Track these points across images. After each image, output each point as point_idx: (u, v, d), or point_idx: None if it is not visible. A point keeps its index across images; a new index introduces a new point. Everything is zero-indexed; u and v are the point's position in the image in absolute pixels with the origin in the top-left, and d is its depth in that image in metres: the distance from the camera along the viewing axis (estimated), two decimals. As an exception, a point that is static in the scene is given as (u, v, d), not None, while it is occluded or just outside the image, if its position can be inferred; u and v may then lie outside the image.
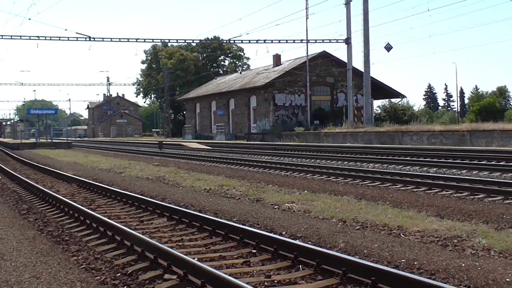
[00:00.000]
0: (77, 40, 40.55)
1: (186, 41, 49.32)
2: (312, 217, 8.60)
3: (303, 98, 49.27)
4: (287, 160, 21.44)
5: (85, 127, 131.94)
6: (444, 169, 15.31)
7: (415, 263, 5.74)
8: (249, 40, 43.76)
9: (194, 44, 70.67)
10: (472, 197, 10.16)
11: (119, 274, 5.71)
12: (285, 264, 5.86)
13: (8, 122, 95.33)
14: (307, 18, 44.43)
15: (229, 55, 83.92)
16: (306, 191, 11.71)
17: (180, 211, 8.82)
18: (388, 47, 39.75)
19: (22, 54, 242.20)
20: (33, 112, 57.12)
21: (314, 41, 44.64)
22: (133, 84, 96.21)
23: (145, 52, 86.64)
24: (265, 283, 5.26)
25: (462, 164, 16.47)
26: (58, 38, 40.65)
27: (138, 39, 41.93)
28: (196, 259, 5.84)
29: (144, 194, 11.83)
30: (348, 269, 5.18)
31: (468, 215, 8.34)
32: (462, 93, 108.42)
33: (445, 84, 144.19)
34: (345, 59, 44.72)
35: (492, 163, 16.62)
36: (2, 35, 40.44)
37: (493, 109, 54.22)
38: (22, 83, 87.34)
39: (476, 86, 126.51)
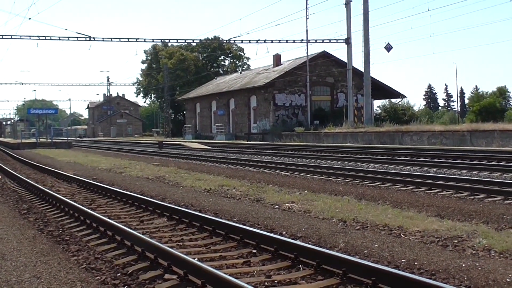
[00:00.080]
0: (77, 40, 40.60)
1: (186, 41, 49.34)
2: (312, 217, 8.60)
3: (303, 98, 49.27)
4: (287, 160, 21.43)
5: (85, 127, 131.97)
6: (444, 169, 15.31)
7: (416, 263, 5.74)
8: (249, 40, 43.80)
9: (194, 44, 70.68)
10: (472, 197, 10.16)
11: (119, 274, 5.71)
12: (285, 264, 5.86)
13: (8, 122, 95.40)
14: (307, 18, 44.47)
15: (229, 55, 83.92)
16: (306, 191, 11.71)
17: (180, 211, 8.81)
18: (388, 47, 39.74)
19: (22, 54, 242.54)
20: (33, 112, 57.10)
21: (314, 41, 44.68)
22: (133, 84, 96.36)
23: (145, 52, 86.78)
24: (265, 283, 5.26)
25: (462, 164, 16.46)
26: (58, 38, 40.67)
27: (138, 39, 41.98)
28: (196, 259, 5.84)
29: (144, 194, 11.83)
30: (348, 269, 5.18)
31: (469, 215, 8.33)
32: (462, 93, 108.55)
33: (445, 84, 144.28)
34: (345, 59, 44.74)
35: (492, 163, 16.61)
36: (2, 35, 40.48)
37: (493, 109, 54.19)
38: (22, 83, 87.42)
39: (476, 86, 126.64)
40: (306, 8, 44.23)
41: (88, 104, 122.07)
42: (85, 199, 11.72)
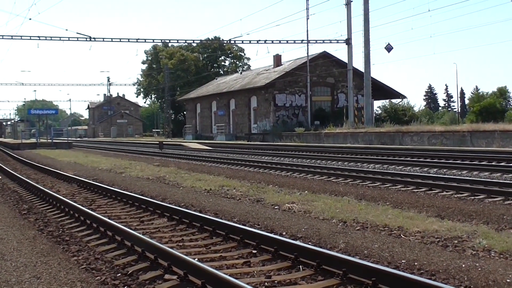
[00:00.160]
0: (77, 40, 40.61)
1: (187, 41, 49.38)
2: (313, 218, 8.60)
3: (303, 98, 49.26)
4: (288, 161, 21.43)
5: (86, 127, 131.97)
6: (444, 170, 15.30)
7: (416, 263, 5.74)
8: (250, 41, 43.81)
9: (194, 44, 70.81)
10: (472, 197, 10.15)
11: (119, 274, 5.71)
12: (285, 265, 5.86)
13: (9, 122, 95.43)
14: (307, 19, 44.45)
15: (230, 55, 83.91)
16: (306, 191, 11.71)
17: (181, 212, 8.81)
18: (389, 48, 39.72)
19: (23, 54, 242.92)
20: (34, 112, 57.18)
21: (314, 41, 44.68)
22: (134, 84, 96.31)
23: (145, 52, 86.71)
24: (266, 283, 5.26)
25: (463, 164, 16.46)
26: (58, 38, 40.69)
27: (138, 39, 41.96)
28: (196, 259, 5.84)
29: (144, 194, 11.83)
30: (349, 269, 5.18)
31: (469, 216, 8.33)
32: (462, 93, 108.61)
33: (446, 85, 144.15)
34: (345, 60, 44.71)
35: (493, 163, 16.61)
36: (2, 35, 40.51)
37: (494, 109, 54.18)
38: (22, 83, 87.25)
39: (476, 87, 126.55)
40: (306, 9, 44.27)
41: (88, 105, 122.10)
42: (85, 199, 11.72)
